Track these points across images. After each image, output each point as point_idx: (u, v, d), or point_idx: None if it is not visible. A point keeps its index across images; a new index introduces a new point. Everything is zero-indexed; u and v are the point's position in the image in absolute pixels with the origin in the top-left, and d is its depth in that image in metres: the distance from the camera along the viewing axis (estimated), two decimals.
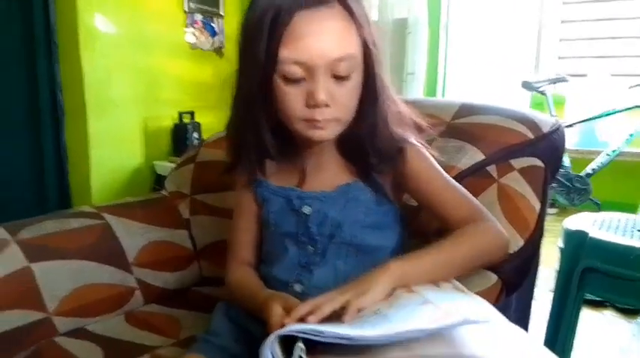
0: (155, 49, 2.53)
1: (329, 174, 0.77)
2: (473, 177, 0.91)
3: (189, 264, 1.16)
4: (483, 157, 0.93)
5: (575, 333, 1.50)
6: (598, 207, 3.07)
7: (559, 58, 3.34)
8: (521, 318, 0.97)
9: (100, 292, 0.99)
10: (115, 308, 1.01)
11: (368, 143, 0.73)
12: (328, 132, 0.70)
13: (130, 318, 1.00)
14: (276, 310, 0.61)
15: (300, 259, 0.76)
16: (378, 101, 0.71)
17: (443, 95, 2.41)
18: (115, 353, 0.88)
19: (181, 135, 2.53)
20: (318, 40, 0.64)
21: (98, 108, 2.32)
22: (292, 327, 0.46)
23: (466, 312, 0.47)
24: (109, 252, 1.02)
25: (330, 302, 0.58)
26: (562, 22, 3.22)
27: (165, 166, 2.43)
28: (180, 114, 2.55)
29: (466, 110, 1.02)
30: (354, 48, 0.67)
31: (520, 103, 3.48)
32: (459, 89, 2.68)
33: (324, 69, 0.65)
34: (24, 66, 2.31)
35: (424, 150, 0.76)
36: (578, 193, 3.14)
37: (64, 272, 0.94)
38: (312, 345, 0.47)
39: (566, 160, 3.17)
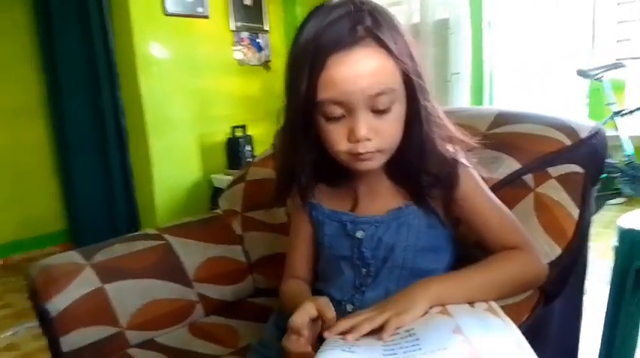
0: (206, 69, 2.67)
1: (381, 199, 0.79)
2: (509, 188, 0.92)
3: (245, 277, 1.24)
4: (519, 166, 0.94)
5: (636, 332, 1.46)
6: None
7: (617, 41, 3.20)
8: (568, 322, 0.97)
9: (165, 306, 1.08)
10: (179, 320, 1.11)
11: (417, 166, 0.74)
12: (373, 162, 0.72)
13: (192, 329, 1.10)
14: (307, 306, 0.66)
15: (354, 281, 0.79)
16: (423, 126, 0.72)
17: (490, 94, 2.37)
18: None
19: (235, 148, 2.65)
20: (354, 80, 0.66)
21: (157, 128, 2.48)
22: (324, 356, 0.51)
23: (493, 353, 0.49)
24: (171, 270, 1.12)
25: (369, 322, 0.63)
26: (618, 4, 3.09)
27: (221, 179, 2.56)
28: (233, 129, 2.67)
29: (502, 119, 1.03)
30: (392, 81, 0.68)
31: (577, 92, 3.36)
32: (508, 86, 2.63)
33: (362, 105, 0.67)
34: (90, 96, 2.52)
35: (474, 171, 0.77)
36: None
37: (133, 290, 1.04)
38: None
39: (629, 148, 3.02)
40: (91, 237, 2.56)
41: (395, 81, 0.68)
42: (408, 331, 0.62)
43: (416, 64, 0.70)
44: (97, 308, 0.99)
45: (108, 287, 1.01)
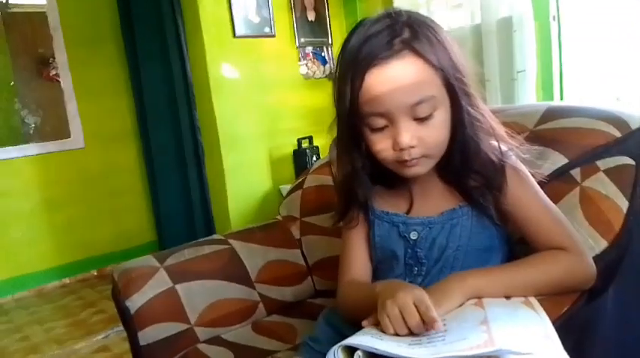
0: (273, 86, 2.81)
1: (434, 200, 0.80)
2: (556, 182, 0.91)
3: (304, 279, 1.31)
4: (566, 161, 0.93)
5: None
6: None
7: None
8: (627, 315, 0.93)
9: (231, 306, 1.18)
10: (244, 319, 1.20)
11: (463, 168, 0.76)
12: (420, 168, 0.74)
13: (255, 327, 1.18)
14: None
15: (405, 278, 0.81)
16: (466, 129, 0.73)
17: (561, 91, 2.28)
18: (243, 357, 1.05)
19: (301, 159, 2.75)
20: (392, 93, 0.68)
21: (230, 144, 2.65)
22: (352, 340, 0.56)
23: (506, 341, 0.51)
24: (235, 272, 1.21)
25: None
26: None
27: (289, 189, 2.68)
28: (299, 141, 2.78)
29: (550, 115, 1.02)
30: (431, 89, 0.70)
31: None
32: (579, 83, 2.51)
33: (403, 115, 0.69)
34: (171, 119, 2.74)
35: (523, 168, 0.78)
36: None
37: (201, 290, 1.15)
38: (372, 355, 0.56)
39: None
40: (175, 246, 2.78)
41: (434, 88, 0.70)
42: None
43: (457, 69, 0.72)
44: (169, 306, 1.10)
45: (178, 287, 1.12)
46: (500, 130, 0.78)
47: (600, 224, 0.83)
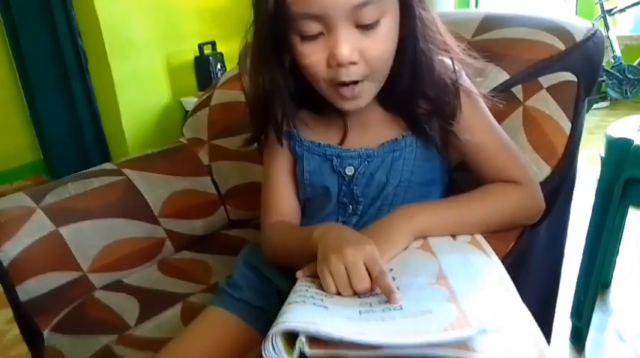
0: None
1: (372, 129, 0.69)
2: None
3: (216, 210, 1.17)
4: (508, 77, 0.85)
5: (619, 242, 1.45)
6: None
7: None
8: (553, 241, 0.93)
9: (131, 246, 1.02)
10: (148, 259, 1.05)
11: (412, 91, 0.63)
12: (362, 100, 0.61)
13: (162, 267, 1.04)
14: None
15: (337, 219, 0.71)
16: (418, 42, 0.60)
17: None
18: (150, 303, 0.92)
19: (204, 67, 2.49)
20: None
21: (118, 50, 2.30)
22: (291, 318, 0.44)
23: (483, 317, 0.42)
24: (134, 207, 1.04)
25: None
26: None
27: (192, 102, 2.43)
28: (200, 47, 2.49)
29: (489, 24, 0.92)
30: None
31: None
32: None
33: (343, 19, 0.55)
34: (42, 19, 2.30)
35: (476, 91, 0.67)
36: (631, 85, 2.92)
37: (92, 231, 0.97)
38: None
39: (617, 50, 2.91)
40: (63, 168, 2.48)
41: None
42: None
43: None
44: (53, 254, 0.92)
45: (63, 230, 0.93)
46: (453, 43, 0.65)
47: (544, 148, 0.77)
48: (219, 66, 2.51)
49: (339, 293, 0.52)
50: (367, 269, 0.51)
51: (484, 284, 0.50)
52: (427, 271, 0.53)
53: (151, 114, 2.46)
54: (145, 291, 0.96)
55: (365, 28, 0.56)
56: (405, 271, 0.54)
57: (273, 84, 0.65)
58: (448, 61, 0.65)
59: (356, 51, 0.57)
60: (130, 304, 0.92)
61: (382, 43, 0.58)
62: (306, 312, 0.46)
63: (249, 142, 0.75)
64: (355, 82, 0.59)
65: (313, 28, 0.56)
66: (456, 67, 0.64)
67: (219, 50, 2.56)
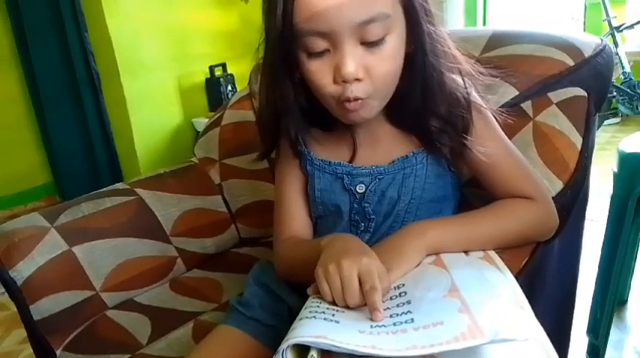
0: (179, 3, 2.48)
1: (382, 146, 0.69)
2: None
3: (227, 228, 1.18)
4: (517, 93, 0.85)
5: (635, 257, 1.43)
6: None
7: None
8: (567, 256, 0.92)
9: (143, 265, 1.02)
10: (159, 278, 1.05)
11: (423, 108, 0.63)
12: (365, 113, 0.61)
13: (174, 286, 1.04)
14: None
15: None
16: (427, 58, 0.60)
17: (484, 14, 2.22)
18: (161, 322, 0.92)
19: (215, 88, 2.51)
20: (337, 6, 0.54)
21: (130, 71, 2.33)
22: (304, 339, 0.44)
23: (496, 326, 0.42)
24: (146, 226, 1.05)
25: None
26: None
27: (203, 123, 2.44)
28: (212, 68, 2.52)
29: (497, 40, 0.92)
30: (386, 5, 0.56)
31: (572, 8, 3.18)
32: (502, 4, 2.46)
33: (349, 36, 0.55)
34: (56, 39, 2.34)
35: (486, 107, 0.67)
36: None
37: (105, 250, 0.98)
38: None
39: (627, 66, 2.90)
40: (75, 189, 2.49)
41: (389, 4, 0.56)
42: (397, 288, 0.55)
43: None
44: (66, 273, 0.92)
45: (76, 249, 0.94)
46: (463, 59, 0.65)
47: (556, 163, 0.76)
48: (229, 87, 2.53)
49: (334, 303, 0.52)
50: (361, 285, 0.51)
51: (498, 297, 0.50)
52: (439, 285, 0.52)
53: (163, 135, 2.48)
54: (156, 310, 0.96)
55: (370, 45, 0.57)
56: (418, 285, 0.54)
57: (282, 100, 0.65)
58: (458, 78, 0.65)
59: (361, 67, 0.57)
60: (141, 323, 0.92)
61: (387, 60, 0.58)
62: (317, 327, 0.46)
63: (261, 157, 0.76)
64: (358, 99, 0.59)
65: (319, 44, 0.57)
66: (467, 81, 0.65)
67: (229, 71, 2.58)
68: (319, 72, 0.59)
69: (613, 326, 1.26)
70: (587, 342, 1.27)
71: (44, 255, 0.90)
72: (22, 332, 1.60)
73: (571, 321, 0.98)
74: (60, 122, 2.49)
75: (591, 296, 1.25)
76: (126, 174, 2.47)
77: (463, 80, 0.64)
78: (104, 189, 1.09)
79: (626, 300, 1.47)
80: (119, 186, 1.11)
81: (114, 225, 1.00)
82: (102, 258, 0.97)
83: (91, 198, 1.03)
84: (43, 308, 0.89)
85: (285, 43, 0.58)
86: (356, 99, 0.59)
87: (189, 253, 1.10)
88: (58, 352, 0.90)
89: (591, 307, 1.26)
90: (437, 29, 0.61)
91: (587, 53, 0.85)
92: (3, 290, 1.88)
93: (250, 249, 1.15)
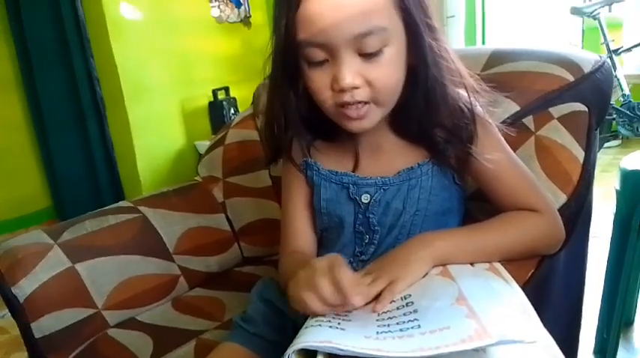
0: (182, 29, 2.52)
1: (387, 157, 0.69)
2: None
3: (230, 247, 1.17)
4: (518, 108, 0.86)
5: (639, 276, 1.41)
6: None
7: None
8: (573, 271, 0.91)
9: (145, 283, 1.02)
10: (162, 296, 1.04)
11: (427, 119, 0.64)
12: (366, 121, 0.62)
13: (176, 305, 1.03)
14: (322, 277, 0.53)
15: (354, 248, 0.71)
16: (430, 70, 0.61)
17: (483, 36, 2.26)
18: (163, 341, 0.90)
19: (218, 112, 2.53)
20: (334, 18, 0.56)
21: (135, 96, 2.36)
22: (309, 344, 0.44)
23: (503, 329, 0.42)
24: (149, 244, 1.05)
25: (362, 295, 0.54)
26: None
27: (206, 145, 2.46)
28: (214, 92, 2.55)
29: (497, 58, 0.94)
30: (383, 20, 0.57)
31: (570, 32, 3.23)
32: (501, 27, 2.50)
33: (346, 47, 0.57)
34: (61, 64, 2.37)
35: (490, 121, 0.68)
36: None
37: (108, 268, 0.97)
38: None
39: (625, 88, 2.93)
40: (77, 212, 2.47)
41: (387, 18, 0.58)
42: (404, 298, 0.55)
43: None
44: (69, 290, 0.92)
45: (79, 266, 0.94)
46: (466, 73, 0.66)
47: (559, 176, 0.77)
48: (232, 110, 2.55)
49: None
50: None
51: (505, 304, 0.49)
52: (446, 295, 0.52)
53: (166, 158, 2.49)
54: (158, 329, 0.95)
55: (368, 56, 0.58)
56: (425, 295, 0.53)
57: (287, 110, 0.67)
58: (462, 91, 0.66)
59: (359, 76, 0.59)
60: (143, 342, 0.91)
61: (385, 71, 0.60)
62: (323, 333, 0.45)
63: (267, 163, 0.76)
64: (360, 102, 0.60)
65: (319, 54, 0.59)
66: (470, 94, 0.65)
67: (232, 95, 2.62)
68: (319, 80, 0.61)
69: (620, 347, 1.24)
70: None
71: (47, 271, 0.90)
72: (21, 355, 1.58)
73: (578, 338, 0.96)
74: (63, 147, 2.50)
75: (597, 315, 1.24)
76: (128, 198, 2.47)
77: (467, 93, 0.65)
78: (108, 207, 1.09)
79: (633, 321, 1.45)
80: (123, 203, 1.11)
81: (117, 242, 1.00)
82: (105, 275, 0.96)
83: (95, 216, 1.04)
84: (44, 326, 0.89)
85: (288, 54, 0.60)
86: (357, 102, 0.60)
87: (192, 271, 1.09)
88: None
89: (598, 327, 1.25)
90: (440, 43, 0.62)
91: (587, 69, 0.86)
92: (2, 313, 1.87)
93: (254, 268, 1.15)
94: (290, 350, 0.42)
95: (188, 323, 0.96)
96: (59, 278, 0.91)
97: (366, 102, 0.61)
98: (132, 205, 1.10)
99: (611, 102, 2.93)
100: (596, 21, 2.87)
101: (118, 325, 0.97)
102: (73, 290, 0.92)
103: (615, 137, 3.22)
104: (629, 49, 2.90)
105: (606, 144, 3.20)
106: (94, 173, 2.44)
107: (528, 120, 0.84)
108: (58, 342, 0.90)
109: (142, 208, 1.09)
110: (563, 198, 0.75)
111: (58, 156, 2.51)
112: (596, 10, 2.83)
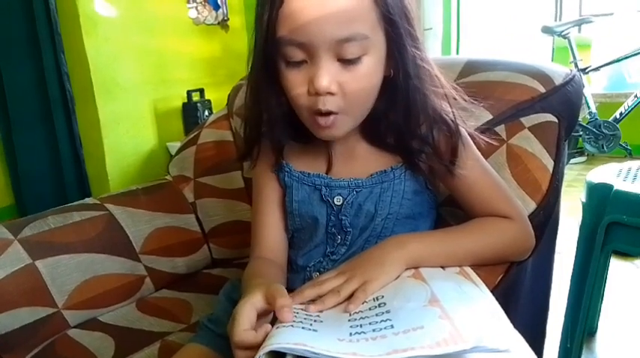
0: (158, 29, 2.49)
1: (360, 160, 0.69)
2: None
3: (199, 248, 1.15)
4: (491, 117, 0.87)
5: (603, 286, 1.45)
6: (629, 152, 2.95)
7: None
8: (539, 279, 0.93)
9: (110, 283, 0.98)
10: (126, 297, 1.01)
11: (405, 128, 0.64)
12: (336, 130, 0.62)
13: (141, 305, 1.00)
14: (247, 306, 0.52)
15: (325, 249, 0.71)
16: (411, 80, 0.61)
17: (457, 48, 2.30)
18: (126, 342, 0.87)
19: (192, 114, 2.51)
20: (317, 18, 0.56)
21: (106, 93, 2.31)
22: (282, 345, 0.43)
23: (479, 334, 0.41)
24: (115, 243, 1.01)
25: (334, 295, 0.54)
26: None
27: (178, 147, 2.43)
28: (189, 93, 2.52)
29: (471, 68, 0.95)
30: (365, 28, 0.57)
31: (541, 50, 3.32)
32: (475, 41, 2.56)
33: (326, 51, 0.57)
34: (30, 59, 2.30)
35: (465, 133, 0.68)
36: (607, 140, 3.01)
37: (71, 266, 0.94)
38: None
39: (592, 106, 3.03)
40: (40, 211, 2.39)
41: (369, 27, 0.58)
42: (377, 299, 0.54)
43: (404, 5, 0.60)
44: (27, 288, 0.88)
45: (40, 263, 0.90)
46: (446, 84, 0.67)
47: (528, 184, 0.78)
48: (206, 112, 2.53)
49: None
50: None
51: (477, 308, 0.49)
52: (419, 296, 0.52)
53: (136, 158, 2.44)
54: (121, 330, 0.92)
55: (346, 62, 0.58)
56: (397, 296, 0.53)
57: (264, 107, 0.66)
58: (444, 101, 0.66)
59: (335, 82, 0.58)
60: (105, 343, 0.88)
61: (362, 80, 0.59)
62: (295, 335, 0.44)
63: (240, 159, 0.76)
64: (330, 113, 0.60)
65: (297, 54, 0.58)
66: (453, 106, 0.66)
67: (207, 97, 2.59)
68: (295, 81, 0.60)
69: (583, 357, 1.26)
70: None
71: (5, 268, 0.86)
72: None
73: (542, 346, 0.98)
74: (28, 143, 2.41)
75: (561, 326, 1.26)
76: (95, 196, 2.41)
77: (449, 103, 0.66)
78: (73, 203, 1.05)
79: (595, 331, 1.48)
80: (89, 200, 1.08)
81: (81, 240, 0.97)
82: (66, 273, 0.93)
83: (59, 212, 1.00)
84: (0, 324, 0.85)
85: (268, 50, 0.60)
86: (328, 112, 0.60)
87: (158, 272, 1.06)
88: None
89: (561, 338, 1.27)
90: (422, 53, 0.63)
91: (558, 81, 0.88)
92: None
93: (223, 270, 1.13)
94: (261, 352, 0.41)
95: (153, 324, 0.93)
96: (18, 275, 0.87)
97: (335, 113, 0.60)
98: (98, 202, 1.06)
99: (579, 120, 3.03)
100: (566, 40, 2.96)
101: (79, 325, 0.94)
102: (32, 288, 0.88)
103: (581, 153, 3.32)
104: (596, 69, 3.00)
105: (572, 160, 3.29)
106: (60, 170, 2.37)
107: (500, 129, 0.86)
108: (14, 342, 0.86)
109: (108, 205, 1.06)
110: (532, 206, 0.76)
111: (22, 152, 2.42)
112: (566, 29, 2.92)
